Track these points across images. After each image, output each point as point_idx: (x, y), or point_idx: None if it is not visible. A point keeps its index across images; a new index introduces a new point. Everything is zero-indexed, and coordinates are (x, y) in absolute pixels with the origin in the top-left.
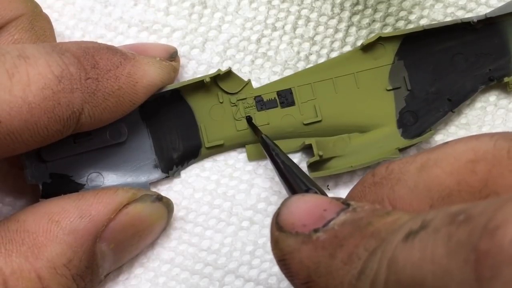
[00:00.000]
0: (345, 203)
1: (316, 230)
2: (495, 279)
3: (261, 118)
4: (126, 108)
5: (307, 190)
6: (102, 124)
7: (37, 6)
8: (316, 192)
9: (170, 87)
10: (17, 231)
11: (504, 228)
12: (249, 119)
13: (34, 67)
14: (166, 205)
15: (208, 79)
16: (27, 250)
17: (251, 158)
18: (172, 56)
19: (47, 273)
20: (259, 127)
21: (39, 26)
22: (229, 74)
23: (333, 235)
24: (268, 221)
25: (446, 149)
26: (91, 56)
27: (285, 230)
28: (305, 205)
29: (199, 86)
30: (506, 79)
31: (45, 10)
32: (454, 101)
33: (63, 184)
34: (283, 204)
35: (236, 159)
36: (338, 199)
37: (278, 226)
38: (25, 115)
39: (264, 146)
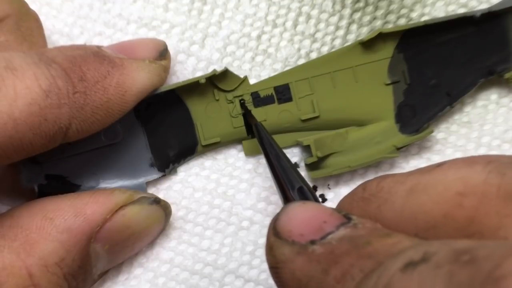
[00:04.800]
0: (346, 217)
1: (313, 242)
2: None
3: (258, 115)
4: (115, 117)
5: (300, 188)
6: (91, 133)
7: (23, 5)
8: (311, 195)
9: (164, 88)
10: (10, 226)
11: (509, 279)
12: (243, 103)
13: (21, 80)
14: (164, 208)
15: (203, 80)
16: (19, 246)
17: (248, 153)
18: (162, 54)
19: (38, 271)
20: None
21: (26, 26)
22: (225, 72)
23: (330, 250)
24: (268, 220)
25: (437, 175)
26: (78, 67)
27: (282, 236)
28: (305, 214)
29: (195, 85)
30: (506, 75)
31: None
32: (453, 96)
33: (58, 186)
34: (283, 209)
35: (236, 158)
36: (339, 211)
37: (275, 231)
38: (10, 132)
39: (258, 136)
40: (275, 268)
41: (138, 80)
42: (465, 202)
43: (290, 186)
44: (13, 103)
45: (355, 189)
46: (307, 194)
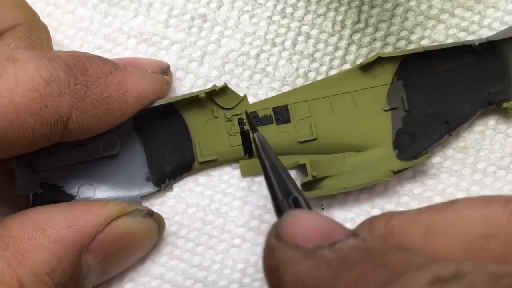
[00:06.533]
0: (354, 231)
1: (321, 247)
2: None
3: None
4: (115, 117)
5: (295, 199)
6: (91, 134)
7: (34, 16)
8: (307, 206)
9: (164, 101)
10: (1, 236)
11: None
12: (244, 119)
13: (22, 69)
14: (157, 221)
15: (203, 95)
16: (10, 255)
17: (244, 174)
18: (165, 71)
19: (29, 280)
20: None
21: (36, 36)
22: (224, 89)
23: (341, 256)
24: (261, 239)
25: (453, 214)
26: (82, 63)
27: (285, 240)
28: (311, 220)
29: (194, 100)
30: (505, 104)
31: (44, 19)
32: (452, 124)
33: (53, 195)
34: (287, 214)
35: (231, 175)
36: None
37: (278, 235)
38: (11, 116)
39: (256, 146)
40: (276, 270)
41: (140, 83)
42: (489, 245)
43: (285, 195)
44: (13, 88)
45: (360, 227)
46: (302, 205)
